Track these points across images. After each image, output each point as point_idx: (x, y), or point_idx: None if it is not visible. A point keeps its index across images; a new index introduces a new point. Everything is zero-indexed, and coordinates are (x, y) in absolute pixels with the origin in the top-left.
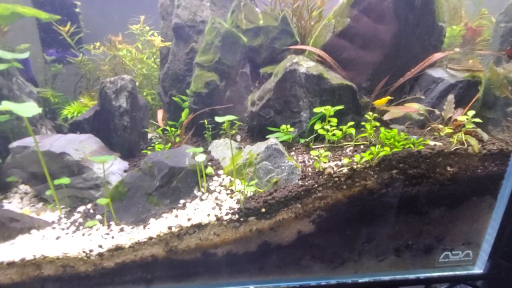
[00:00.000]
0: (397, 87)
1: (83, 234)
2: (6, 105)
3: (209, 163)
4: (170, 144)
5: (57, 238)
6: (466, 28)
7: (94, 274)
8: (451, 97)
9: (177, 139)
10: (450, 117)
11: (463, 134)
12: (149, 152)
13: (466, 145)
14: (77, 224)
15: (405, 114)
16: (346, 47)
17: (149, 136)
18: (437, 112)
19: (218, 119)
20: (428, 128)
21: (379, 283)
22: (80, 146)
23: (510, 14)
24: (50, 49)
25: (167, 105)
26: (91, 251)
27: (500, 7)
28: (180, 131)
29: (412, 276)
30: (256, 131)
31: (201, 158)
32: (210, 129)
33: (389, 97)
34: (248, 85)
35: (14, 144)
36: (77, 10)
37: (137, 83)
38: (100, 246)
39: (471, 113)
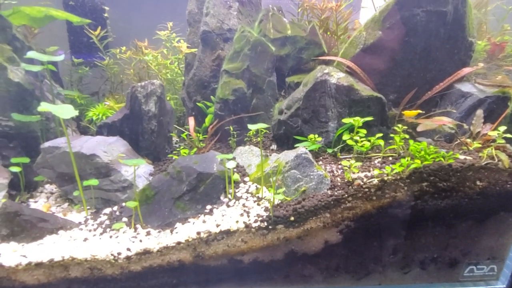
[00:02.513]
0: (423, 101)
1: (111, 237)
2: (45, 106)
3: (235, 170)
4: (195, 149)
5: (85, 239)
6: (490, 44)
7: (120, 277)
8: (480, 112)
9: (201, 145)
10: (479, 132)
11: (493, 149)
12: (174, 157)
13: (496, 160)
14: (103, 226)
15: (436, 127)
16: (375, 59)
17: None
18: (465, 126)
19: (250, 126)
20: (456, 142)
21: None
22: (109, 148)
23: None
24: (78, 52)
25: (191, 111)
26: (119, 254)
27: None
28: (206, 137)
29: None
30: (282, 139)
31: (231, 164)
32: (235, 136)
33: (419, 111)
34: (274, 93)
35: (46, 145)
36: (105, 15)
37: None
38: (129, 249)
39: (503, 128)
